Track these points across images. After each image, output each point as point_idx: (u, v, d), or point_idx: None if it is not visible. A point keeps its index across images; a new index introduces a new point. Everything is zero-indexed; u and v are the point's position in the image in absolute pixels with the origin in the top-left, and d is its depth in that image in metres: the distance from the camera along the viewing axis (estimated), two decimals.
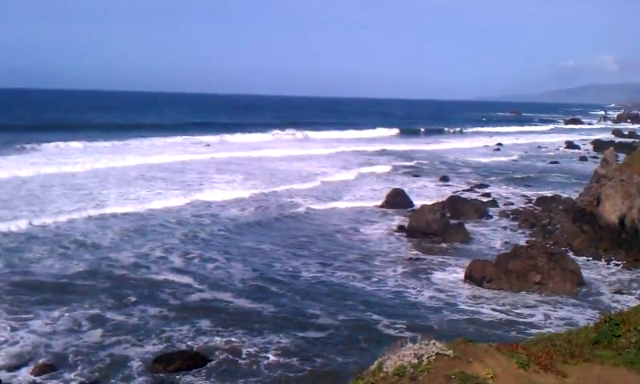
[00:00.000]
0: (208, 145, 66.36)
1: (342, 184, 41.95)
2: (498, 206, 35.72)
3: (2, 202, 31.05)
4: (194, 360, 14.62)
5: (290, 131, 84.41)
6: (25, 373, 13.80)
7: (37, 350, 14.80)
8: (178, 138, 68.50)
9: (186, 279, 20.56)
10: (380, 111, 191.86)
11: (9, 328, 15.99)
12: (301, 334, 16.48)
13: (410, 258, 24.50)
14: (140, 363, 14.38)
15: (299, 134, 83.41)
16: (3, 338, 15.40)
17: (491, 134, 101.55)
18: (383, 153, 64.24)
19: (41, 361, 14.23)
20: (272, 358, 15.03)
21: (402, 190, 36.54)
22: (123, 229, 26.57)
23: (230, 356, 15.05)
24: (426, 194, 39.58)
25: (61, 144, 57.06)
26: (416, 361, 6.60)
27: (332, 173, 46.83)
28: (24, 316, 16.80)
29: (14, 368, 13.97)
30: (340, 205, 34.84)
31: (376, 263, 23.83)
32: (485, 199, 37.34)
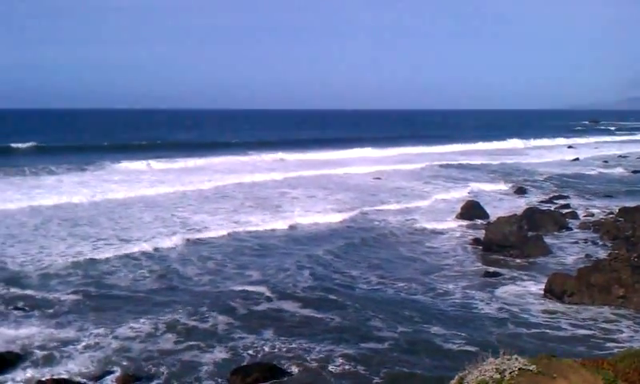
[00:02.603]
0: (281, 160, 67.31)
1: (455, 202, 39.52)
2: (578, 218, 34.55)
3: (87, 220, 32.45)
4: (271, 372, 14.75)
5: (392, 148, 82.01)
6: (109, 382, 14.25)
7: (118, 360, 15.28)
8: (256, 157, 68.61)
9: (261, 288, 20.87)
10: (455, 122, 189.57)
11: (92, 336, 16.66)
12: (363, 344, 16.49)
13: (485, 272, 23.95)
14: (217, 376, 14.64)
15: (411, 149, 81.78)
16: (87, 346, 16.04)
17: (569, 144, 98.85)
18: (481, 167, 62.96)
19: (124, 371, 14.68)
20: (339, 368, 15.06)
21: (477, 202, 35.94)
22: (201, 249, 27.12)
23: (299, 365, 15.15)
24: (502, 205, 38.76)
25: (137, 163, 58.63)
26: (498, 376, 6.48)
27: (435, 192, 44.77)
28: (107, 326, 17.45)
29: (98, 377, 14.45)
30: (415, 217, 34.55)
31: (444, 276, 23.48)
32: (564, 211, 36.21)
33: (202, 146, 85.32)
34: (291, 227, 31.52)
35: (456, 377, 6.87)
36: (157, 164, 59.15)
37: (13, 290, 20.45)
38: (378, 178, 52.50)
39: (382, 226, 32.30)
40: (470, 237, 29.65)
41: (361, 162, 65.57)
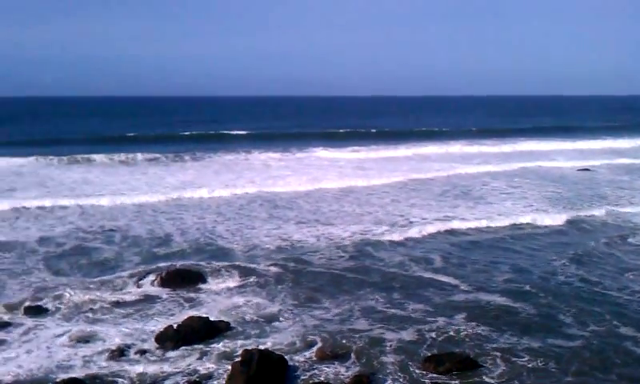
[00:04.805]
0: (475, 148, 65.58)
1: None
2: None
3: (287, 202, 34.22)
4: (463, 363, 14.49)
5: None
6: (306, 356, 14.89)
7: (315, 336, 15.91)
8: (453, 146, 67.09)
9: (452, 280, 20.65)
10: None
11: (292, 312, 17.66)
12: (550, 340, 15.78)
13: None
14: (408, 359, 14.70)
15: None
16: (288, 321, 17.00)
17: None
18: None
19: (320, 347, 15.27)
20: (531, 364, 14.50)
21: None
22: (399, 237, 27.14)
23: (488, 356, 14.73)
24: None
25: (338, 151, 61.13)
26: None
27: None
28: (306, 303, 18.43)
29: (297, 350, 15.18)
30: (629, 211, 31.92)
31: None
32: None
33: (397, 134, 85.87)
34: (495, 222, 29.68)
35: None
36: (356, 153, 60.60)
37: (223, 264, 22.23)
38: (586, 170, 49.10)
39: (592, 220, 30.21)
40: None
41: (561, 154, 61.74)
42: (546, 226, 29.03)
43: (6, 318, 17.11)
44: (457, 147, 66.65)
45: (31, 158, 50.70)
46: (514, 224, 29.26)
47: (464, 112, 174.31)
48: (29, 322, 16.87)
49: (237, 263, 22.32)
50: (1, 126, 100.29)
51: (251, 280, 20.49)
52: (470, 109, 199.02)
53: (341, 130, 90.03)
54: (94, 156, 52.74)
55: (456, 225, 28.85)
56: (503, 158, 57.33)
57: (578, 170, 49.41)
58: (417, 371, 14.19)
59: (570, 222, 29.67)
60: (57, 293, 18.98)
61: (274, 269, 21.67)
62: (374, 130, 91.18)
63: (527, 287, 19.87)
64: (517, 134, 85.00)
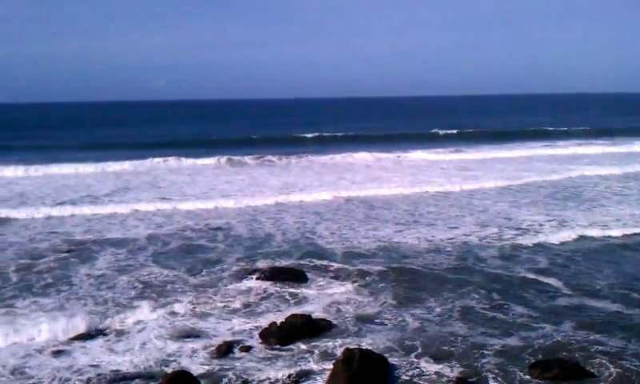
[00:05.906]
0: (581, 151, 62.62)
1: None
2: None
3: (384, 203, 34.08)
4: (571, 371, 13.92)
5: None
6: (407, 357, 14.77)
7: (416, 337, 15.77)
8: (562, 149, 64.42)
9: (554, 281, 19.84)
10: None
11: (392, 313, 17.58)
12: None
13: None
14: (510, 365, 14.29)
15: None
16: (390, 323, 16.90)
17: None
18: None
19: (421, 348, 15.11)
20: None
21: None
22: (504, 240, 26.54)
23: (598, 364, 13.99)
24: None
25: (437, 153, 60.01)
26: None
27: None
28: (406, 304, 18.28)
29: (398, 351, 15.08)
30: None
31: None
32: None
33: (501, 134, 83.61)
34: (608, 227, 27.95)
35: None
36: (458, 154, 59.70)
37: (324, 263, 22.53)
38: None
39: None
40: None
41: None
42: None
43: (120, 311, 18.12)
44: (565, 147, 64.10)
45: (147, 160, 53.40)
46: (630, 230, 27.60)
47: (569, 110, 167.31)
48: (140, 315, 17.76)
49: (337, 262, 22.53)
50: (119, 129, 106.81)
51: (352, 279, 20.59)
52: (576, 107, 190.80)
53: (447, 131, 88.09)
54: (203, 159, 55.06)
55: (565, 228, 27.69)
56: (617, 159, 54.48)
57: None
58: (521, 376, 13.78)
59: None
60: (165, 288, 19.92)
61: (374, 268, 21.67)
62: (479, 130, 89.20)
63: (635, 294, 18.84)
64: (629, 133, 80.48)
